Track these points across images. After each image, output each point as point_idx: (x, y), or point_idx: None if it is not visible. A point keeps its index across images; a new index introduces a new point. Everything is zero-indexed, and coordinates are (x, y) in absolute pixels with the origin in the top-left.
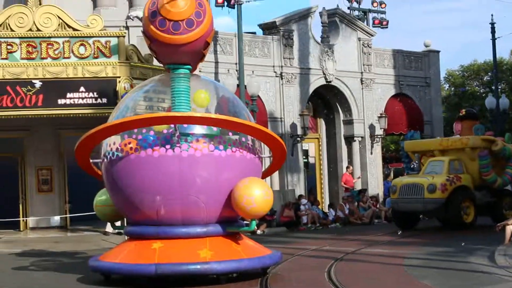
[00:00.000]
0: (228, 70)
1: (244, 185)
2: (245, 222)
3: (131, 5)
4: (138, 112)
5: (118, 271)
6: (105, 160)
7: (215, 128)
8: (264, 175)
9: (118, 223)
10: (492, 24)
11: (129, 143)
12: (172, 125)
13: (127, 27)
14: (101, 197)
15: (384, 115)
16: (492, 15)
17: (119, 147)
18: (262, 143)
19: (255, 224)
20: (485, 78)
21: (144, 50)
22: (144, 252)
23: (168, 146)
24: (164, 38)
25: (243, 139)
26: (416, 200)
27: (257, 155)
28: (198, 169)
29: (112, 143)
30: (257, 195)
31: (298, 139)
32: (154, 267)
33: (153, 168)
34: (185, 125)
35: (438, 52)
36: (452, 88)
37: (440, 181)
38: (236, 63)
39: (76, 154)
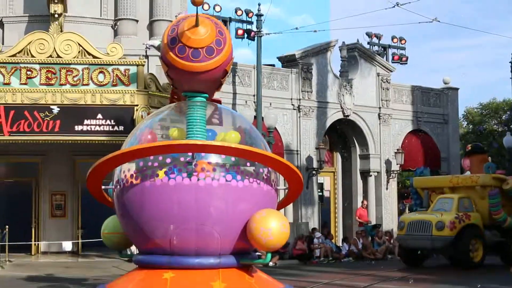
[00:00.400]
0: (246, 102)
1: (261, 216)
2: (257, 253)
3: (151, 34)
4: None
5: None
6: (118, 186)
7: (232, 159)
8: (278, 207)
9: (126, 251)
10: None
11: (145, 169)
12: (190, 153)
13: (146, 56)
14: (109, 224)
15: (401, 150)
16: None
17: (133, 174)
18: (278, 175)
19: (270, 257)
20: (504, 116)
21: (163, 79)
22: (155, 282)
23: (184, 175)
24: (183, 65)
25: (260, 169)
26: (424, 237)
27: (273, 187)
28: (215, 199)
29: (126, 170)
30: (274, 227)
31: (314, 172)
32: None
33: (169, 197)
34: (202, 154)
35: (457, 89)
36: (470, 126)
37: (449, 218)
38: (254, 95)
39: (88, 180)
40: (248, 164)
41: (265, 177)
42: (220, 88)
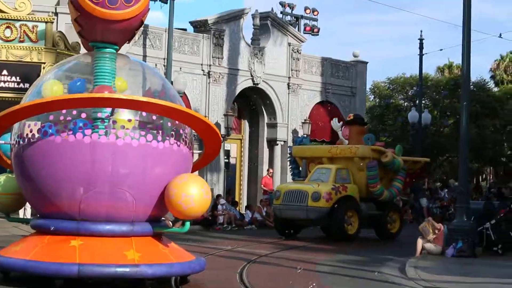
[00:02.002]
0: (156, 65)
1: (182, 181)
2: (166, 221)
3: None
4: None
5: (31, 270)
6: (20, 142)
7: (153, 117)
8: (191, 171)
9: (17, 214)
10: (421, 40)
11: (56, 124)
12: (109, 109)
13: (56, 13)
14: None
15: (308, 121)
16: (421, 31)
17: (38, 129)
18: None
19: (189, 225)
20: (410, 92)
21: (72, 37)
22: (62, 249)
23: (101, 132)
24: (99, 12)
25: (181, 130)
26: (300, 208)
27: (191, 150)
28: (133, 160)
29: (32, 124)
30: (196, 193)
31: (221, 138)
32: (76, 267)
33: (82, 155)
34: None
35: (366, 63)
36: (377, 100)
37: (325, 189)
38: (164, 58)
39: None
40: (169, 124)
41: (185, 139)
42: (131, 41)
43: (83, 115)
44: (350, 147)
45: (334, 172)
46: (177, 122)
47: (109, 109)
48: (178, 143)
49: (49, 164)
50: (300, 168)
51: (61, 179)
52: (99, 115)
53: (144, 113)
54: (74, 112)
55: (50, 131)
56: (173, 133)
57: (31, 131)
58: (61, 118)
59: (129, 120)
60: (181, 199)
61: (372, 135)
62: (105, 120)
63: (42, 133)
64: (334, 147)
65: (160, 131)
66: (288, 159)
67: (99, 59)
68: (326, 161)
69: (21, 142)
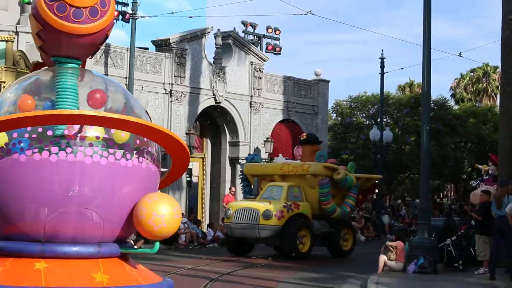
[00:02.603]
0: (116, 90)
1: (153, 201)
2: (130, 241)
3: (22, 10)
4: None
5: None
6: None
7: (123, 134)
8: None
9: None
10: (382, 59)
11: (20, 143)
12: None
13: (16, 32)
14: None
15: (270, 139)
16: (382, 50)
17: (1, 148)
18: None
19: (158, 245)
20: (372, 110)
21: (33, 56)
22: (25, 273)
23: (69, 150)
24: (62, 25)
25: (149, 148)
26: (251, 226)
27: (159, 168)
28: (102, 179)
29: None
30: (168, 213)
31: (189, 155)
32: None
33: (49, 175)
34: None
35: (328, 81)
36: (339, 118)
37: (277, 207)
38: (126, 77)
39: None
40: (138, 141)
41: (153, 156)
42: (94, 55)
43: (49, 133)
44: (302, 164)
45: (286, 190)
46: (145, 139)
47: (76, 126)
48: (147, 161)
49: (12, 183)
50: (252, 186)
51: (25, 199)
52: (65, 132)
53: (112, 130)
54: (40, 129)
55: (14, 149)
56: (142, 150)
57: None
58: (26, 135)
59: (97, 138)
60: (151, 219)
61: (324, 152)
62: (72, 138)
63: (5, 152)
64: (286, 164)
65: (129, 149)
66: (240, 177)
67: (61, 75)
68: (278, 178)
69: None
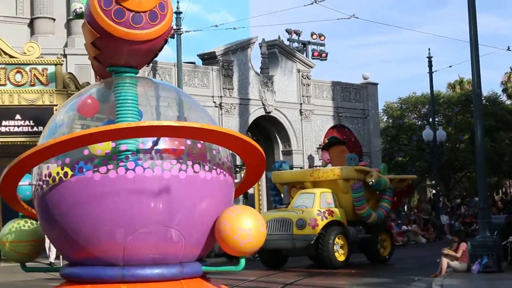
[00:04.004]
0: (169, 104)
1: (236, 214)
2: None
3: (69, 33)
4: (75, 128)
5: None
6: (49, 182)
7: (188, 142)
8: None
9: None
10: (430, 58)
11: (92, 160)
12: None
13: (65, 55)
14: (12, 231)
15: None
16: (429, 49)
17: (72, 166)
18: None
19: (244, 263)
20: (423, 110)
21: (82, 78)
22: None
23: (146, 165)
24: (121, 32)
25: (225, 158)
26: (285, 237)
27: (233, 178)
28: (182, 194)
29: (59, 162)
30: (253, 227)
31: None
32: None
33: (126, 193)
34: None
35: (376, 84)
36: (390, 120)
37: (310, 216)
38: (176, 98)
39: (2, 187)
40: (214, 151)
41: (228, 166)
42: (150, 63)
43: (123, 147)
44: (333, 169)
45: (318, 197)
46: (220, 149)
47: (152, 139)
48: (224, 172)
49: (86, 204)
50: (282, 195)
51: (101, 220)
52: (141, 146)
53: (189, 141)
54: (113, 144)
55: (87, 167)
56: (218, 161)
57: (62, 168)
58: (98, 152)
59: (174, 150)
60: (236, 234)
61: (355, 155)
62: (148, 152)
63: (77, 170)
64: (316, 170)
65: (206, 160)
66: (269, 186)
67: (120, 85)
68: (308, 185)
69: (49, 182)
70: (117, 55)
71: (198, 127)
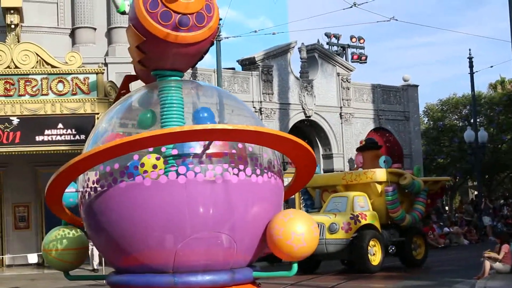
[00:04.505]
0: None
1: (289, 218)
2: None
3: (109, 42)
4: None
5: None
6: (97, 188)
7: (240, 145)
8: None
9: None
10: (470, 58)
11: (142, 165)
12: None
13: (105, 64)
14: (57, 239)
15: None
16: (470, 50)
17: (121, 172)
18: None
19: (296, 268)
20: (464, 111)
21: None
22: None
23: (198, 169)
24: (167, 35)
25: (275, 162)
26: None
27: (283, 182)
28: (234, 198)
29: (105, 168)
30: (307, 231)
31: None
32: None
33: (177, 198)
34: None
35: (416, 86)
36: (431, 122)
37: (343, 219)
38: (216, 104)
39: (48, 194)
40: (265, 154)
41: (278, 170)
42: (195, 65)
43: (175, 152)
44: (366, 172)
45: (351, 200)
46: (270, 152)
47: (203, 143)
48: (275, 175)
49: (135, 210)
50: (314, 199)
51: (152, 227)
52: (191, 150)
53: (240, 145)
54: (163, 149)
55: (137, 172)
56: (269, 165)
57: (111, 174)
58: (149, 157)
59: (225, 154)
60: (290, 239)
61: (388, 157)
62: (200, 156)
63: (126, 176)
64: (348, 173)
65: (258, 164)
66: (301, 190)
67: (166, 89)
68: (341, 189)
69: (98, 188)
70: (163, 59)
71: (251, 129)
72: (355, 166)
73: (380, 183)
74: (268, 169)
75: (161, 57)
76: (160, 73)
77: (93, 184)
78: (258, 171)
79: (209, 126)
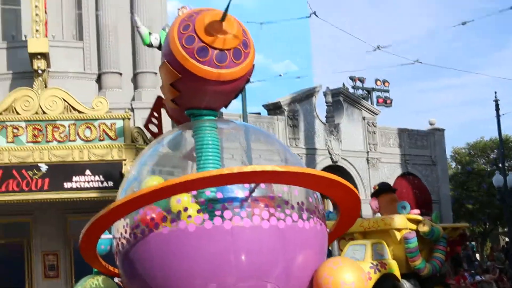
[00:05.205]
0: (233, 156)
1: (338, 267)
2: None
3: (136, 86)
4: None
5: None
6: (138, 234)
7: (285, 188)
8: None
9: None
10: (496, 101)
11: (186, 210)
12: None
13: (132, 109)
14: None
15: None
16: (495, 92)
17: (163, 217)
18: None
19: None
20: (492, 155)
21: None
22: None
23: (244, 214)
24: (205, 72)
25: (320, 206)
26: None
27: (327, 227)
28: (282, 245)
29: (144, 213)
30: (357, 280)
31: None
32: None
33: (223, 245)
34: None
35: (443, 130)
36: (459, 166)
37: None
38: (241, 148)
39: (82, 242)
40: (310, 199)
41: (323, 215)
42: (229, 105)
43: (219, 195)
44: (384, 218)
45: (370, 248)
46: (315, 196)
47: (248, 185)
48: (320, 221)
49: (177, 257)
50: (330, 248)
51: (193, 275)
52: (236, 193)
53: (285, 188)
54: (207, 192)
55: (180, 217)
56: (314, 209)
57: (152, 219)
58: (192, 200)
59: (272, 198)
60: None
61: (406, 203)
62: (245, 200)
63: (169, 221)
64: (366, 219)
65: (304, 208)
66: None
67: (201, 130)
68: (358, 236)
69: (137, 234)
70: (199, 97)
71: (303, 171)
72: (372, 212)
73: (398, 230)
74: (314, 213)
75: (196, 95)
76: (194, 112)
77: (132, 230)
78: (304, 216)
79: (258, 167)
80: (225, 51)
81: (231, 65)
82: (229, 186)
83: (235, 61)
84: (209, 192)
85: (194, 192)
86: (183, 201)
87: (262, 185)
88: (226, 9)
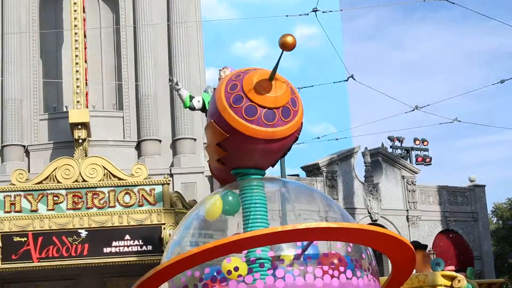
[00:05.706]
0: (273, 217)
1: None
2: None
3: (174, 153)
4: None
5: None
6: None
7: (338, 245)
8: None
9: None
10: None
11: (236, 269)
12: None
13: (171, 175)
14: None
15: (432, 252)
16: None
17: (212, 277)
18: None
19: None
20: None
21: (187, 196)
22: None
23: (296, 272)
24: (254, 131)
25: (373, 262)
26: None
27: (380, 283)
28: None
29: (189, 276)
30: None
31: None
32: None
33: None
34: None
35: (483, 186)
36: (500, 222)
37: None
38: (279, 210)
39: None
40: (363, 255)
41: (376, 271)
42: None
43: (271, 254)
44: (418, 275)
45: None
46: (368, 253)
47: (300, 243)
48: (374, 277)
49: None
50: None
51: None
52: (288, 251)
53: (339, 244)
54: (259, 251)
55: (230, 277)
56: (369, 266)
57: (200, 280)
58: (243, 260)
59: (325, 255)
60: None
61: (440, 259)
62: (297, 258)
63: (219, 281)
64: None
65: (358, 265)
66: None
67: (246, 188)
68: None
69: None
70: (246, 156)
71: (357, 227)
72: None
73: (433, 287)
74: (367, 270)
75: (243, 154)
76: (241, 172)
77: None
78: (358, 273)
79: (312, 224)
80: (274, 109)
81: (279, 124)
82: (280, 244)
83: (284, 119)
84: (260, 251)
85: (245, 252)
86: (233, 259)
87: (315, 242)
88: (275, 68)
